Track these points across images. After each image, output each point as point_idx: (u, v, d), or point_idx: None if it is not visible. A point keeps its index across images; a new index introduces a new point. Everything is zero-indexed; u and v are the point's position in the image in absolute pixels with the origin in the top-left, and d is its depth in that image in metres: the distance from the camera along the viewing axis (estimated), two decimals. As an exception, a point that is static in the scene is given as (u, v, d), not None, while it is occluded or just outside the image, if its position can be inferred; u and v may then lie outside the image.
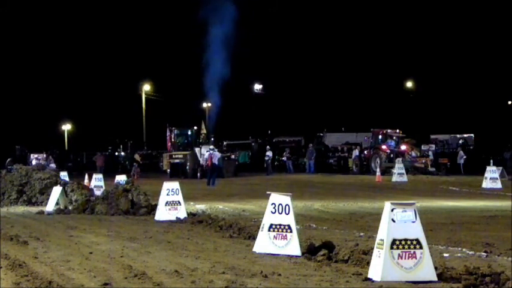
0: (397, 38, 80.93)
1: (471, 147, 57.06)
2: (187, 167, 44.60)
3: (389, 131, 47.85)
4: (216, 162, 36.17)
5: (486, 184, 30.60)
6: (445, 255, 11.20)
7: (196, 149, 44.43)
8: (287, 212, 11.14)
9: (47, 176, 23.88)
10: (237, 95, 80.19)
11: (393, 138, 47.11)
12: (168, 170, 46.32)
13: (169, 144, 48.72)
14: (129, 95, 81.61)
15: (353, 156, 49.91)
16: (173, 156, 46.47)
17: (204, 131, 48.34)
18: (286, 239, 11.11)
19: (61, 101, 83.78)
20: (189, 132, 48.60)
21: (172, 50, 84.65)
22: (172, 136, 47.93)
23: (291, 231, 11.09)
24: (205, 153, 38.25)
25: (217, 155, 37.14)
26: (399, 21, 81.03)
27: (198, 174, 42.58)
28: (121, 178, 25.56)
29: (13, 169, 25.43)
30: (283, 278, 9.25)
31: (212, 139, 45.22)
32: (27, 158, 48.80)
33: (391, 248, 8.78)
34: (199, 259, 10.88)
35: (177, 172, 44.82)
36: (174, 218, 17.08)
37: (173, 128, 48.20)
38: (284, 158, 55.46)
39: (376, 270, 8.87)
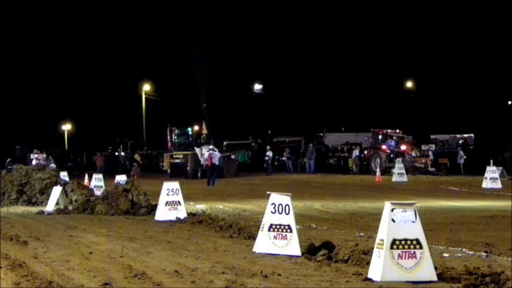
0: (397, 38, 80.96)
1: (471, 147, 57.05)
2: (188, 168, 44.44)
3: (389, 131, 47.86)
4: (216, 162, 36.17)
5: (486, 184, 30.58)
6: (445, 255, 11.20)
7: (197, 149, 44.31)
8: (287, 212, 11.13)
9: (47, 176, 23.86)
10: (237, 95, 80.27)
11: (393, 138, 47.11)
12: (169, 170, 46.26)
13: (169, 144, 48.63)
14: (129, 95, 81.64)
15: (353, 156, 49.94)
16: (174, 156, 46.35)
17: (205, 131, 48.28)
18: (286, 239, 11.10)
19: (61, 101, 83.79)
20: (190, 132, 48.50)
21: (172, 51, 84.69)
22: (173, 136, 47.84)
23: (291, 231, 11.09)
24: (206, 153, 38.23)
25: (217, 155, 37.14)
26: (399, 21, 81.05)
27: (199, 175, 42.50)
28: (121, 178, 25.54)
29: (13, 169, 25.42)
30: (283, 278, 9.24)
31: (212, 139, 45.16)
32: (27, 158, 48.75)
33: (391, 248, 8.78)
34: (199, 259, 10.88)
35: (177, 172, 44.69)
36: (174, 218, 17.07)
37: (174, 128, 48.09)
38: (284, 158, 55.48)
39: (376, 270, 8.87)
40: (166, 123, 49.45)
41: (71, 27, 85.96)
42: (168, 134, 48.45)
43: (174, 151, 46.87)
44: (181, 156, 45.62)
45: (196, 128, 49.95)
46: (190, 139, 47.60)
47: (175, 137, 47.77)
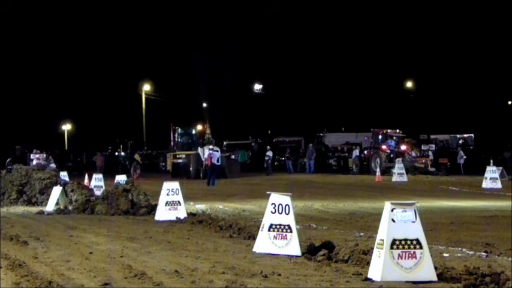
0: (397, 38, 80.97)
1: (471, 147, 57.01)
2: (191, 168, 43.75)
3: (389, 131, 47.86)
4: (216, 162, 36.12)
5: (486, 184, 30.58)
6: (445, 255, 11.20)
7: (200, 149, 43.50)
8: (287, 212, 11.13)
9: (47, 176, 23.86)
10: (237, 95, 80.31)
11: (393, 138, 47.11)
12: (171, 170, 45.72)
13: (173, 143, 47.99)
14: (129, 95, 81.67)
15: (353, 156, 49.95)
16: (177, 156, 45.77)
17: (208, 131, 48.00)
18: (286, 239, 11.10)
19: (61, 101, 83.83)
20: (193, 132, 47.97)
21: (172, 50, 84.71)
22: (176, 136, 47.25)
23: (291, 231, 11.09)
24: (206, 153, 38.04)
25: (217, 154, 37.10)
26: (399, 21, 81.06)
27: (201, 175, 42.03)
28: (121, 178, 25.54)
29: (13, 169, 25.42)
30: (283, 278, 9.24)
31: (212, 139, 44.93)
32: (27, 158, 48.73)
33: (391, 248, 8.77)
34: (199, 259, 10.88)
35: (179, 172, 44.03)
36: (174, 218, 17.07)
37: (177, 128, 47.53)
38: (284, 158, 55.45)
39: (376, 270, 8.87)
40: (169, 123, 49.07)
41: (71, 27, 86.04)
42: (172, 133, 47.88)
43: (177, 151, 46.32)
44: (183, 156, 45.11)
45: (199, 127, 49.61)
46: (194, 139, 47.06)
47: (178, 137, 47.27)
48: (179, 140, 47.14)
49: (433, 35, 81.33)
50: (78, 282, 9.06)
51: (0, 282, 9.14)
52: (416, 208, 8.99)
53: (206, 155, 37.00)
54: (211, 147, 38.06)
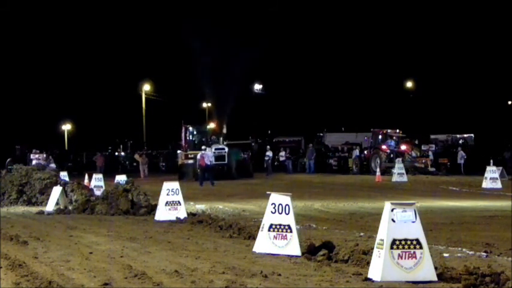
0: (397, 38, 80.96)
1: (471, 147, 56.96)
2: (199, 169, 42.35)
3: (389, 131, 47.84)
4: (208, 163, 36.11)
5: (486, 184, 30.56)
6: (445, 255, 11.20)
7: (207, 149, 42.03)
8: (287, 212, 11.14)
9: (47, 176, 23.88)
10: (237, 95, 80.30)
11: (393, 138, 47.10)
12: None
13: (183, 143, 46.55)
14: (129, 95, 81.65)
15: (353, 156, 49.92)
16: (189, 156, 43.62)
17: (224, 130, 47.11)
18: (286, 239, 11.11)
19: (61, 101, 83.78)
20: (207, 129, 46.66)
21: (172, 50, 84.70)
22: (188, 134, 45.99)
23: (291, 231, 11.09)
24: (198, 153, 37.57)
25: (209, 154, 37.05)
26: (399, 21, 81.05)
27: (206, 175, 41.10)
28: (121, 178, 25.54)
29: (13, 169, 25.43)
30: (283, 278, 9.25)
31: (218, 139, 44.50)
32: (27, 158, 48.73)
33: (391, 248, 8.78)
34: (199, 259, 10.88)
35: (187, 172, 42.63)
36: (174, 218, 17.08)
37: (188, 126, 46.26)
38: (283, 158, 55.29)
39: (376, 270, 8.87)
40: (178, 122, 47.93)
41: (71, 27, 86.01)
42: (183, 132, 46.54)
43: (189, 150, 44.32)
44: (193, 156, 43.72)
45: (212, 126, 48.49)
46: (207, 137, 45.54)
47: (190, 136, 45.80)
48: (192, 139, 45.53)
49: (433, 35, 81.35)
50: (78, 282, 9.07)
51: (0, 282, 9.14)
52: (416, 208, 8.99)
53: (199, 156, 36.74)
54: (203, 147, 37.95)
